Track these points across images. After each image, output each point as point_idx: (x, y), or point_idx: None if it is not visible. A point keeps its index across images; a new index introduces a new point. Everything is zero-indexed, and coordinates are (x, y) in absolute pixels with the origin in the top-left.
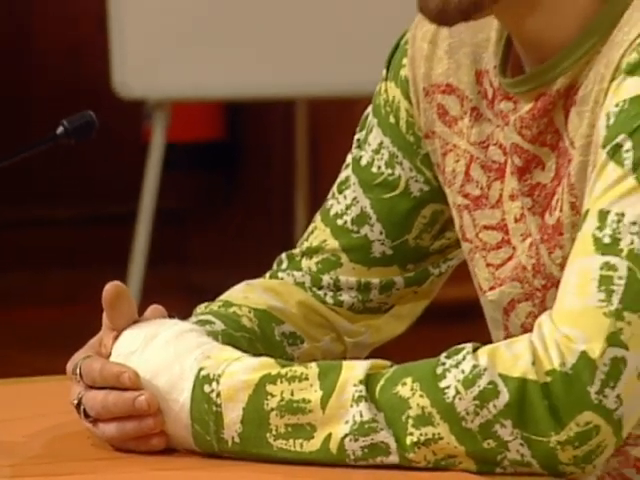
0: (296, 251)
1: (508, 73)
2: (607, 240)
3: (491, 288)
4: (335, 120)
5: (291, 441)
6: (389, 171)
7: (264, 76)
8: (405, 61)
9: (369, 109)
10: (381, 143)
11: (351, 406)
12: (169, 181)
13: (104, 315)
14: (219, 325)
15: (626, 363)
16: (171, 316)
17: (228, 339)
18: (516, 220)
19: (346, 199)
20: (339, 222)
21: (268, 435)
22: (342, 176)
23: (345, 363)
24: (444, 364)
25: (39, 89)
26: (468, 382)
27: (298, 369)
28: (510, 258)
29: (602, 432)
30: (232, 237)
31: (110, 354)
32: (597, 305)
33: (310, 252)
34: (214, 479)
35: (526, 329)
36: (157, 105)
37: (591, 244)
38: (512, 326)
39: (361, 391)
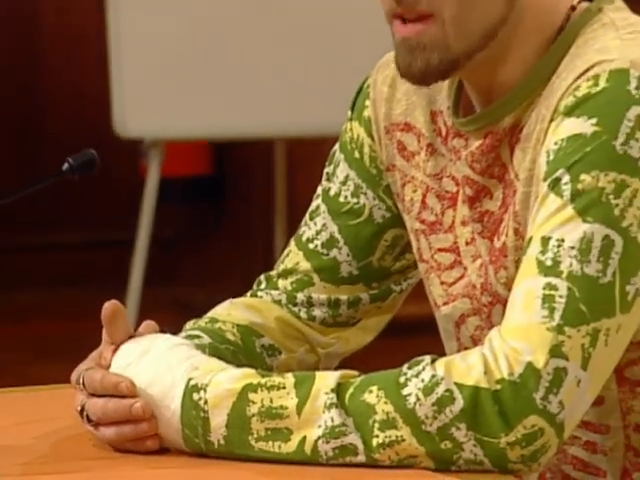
0: (273, 273)
1: (460, 113)
2: (549, 263)
3: (445, 303)
4: (308, 156)
5: (270, 443)
6: (355, 200)
7: (247, 119)
8: (368, 103)
9: (337, 146)
10: (347, 176)
11: (323, 412)
12: (163, 211)
13: (103, 330)
14: (206, 339)
15: (567, 372)
16: (162, 331)
17: (214, 351)
18: (467, 243)
19: (316, 225)
20: (310, 246)
21: (250, 438)
22: (313, 205)
23: (318, 373)
24: (406, 374)
25: (47, 128)
26: (427, 390)
27: (276, 379)
28: (461, 277)
29: (546, 434)
30: (219, 260)
31: (109, 366)
32: (541, 321)
33: (285, 273)
34: (202, 476)
35: (474, 340)
36: (152, 144)
37: (535, 267)
38: (463, 337)
39: (332, 398)
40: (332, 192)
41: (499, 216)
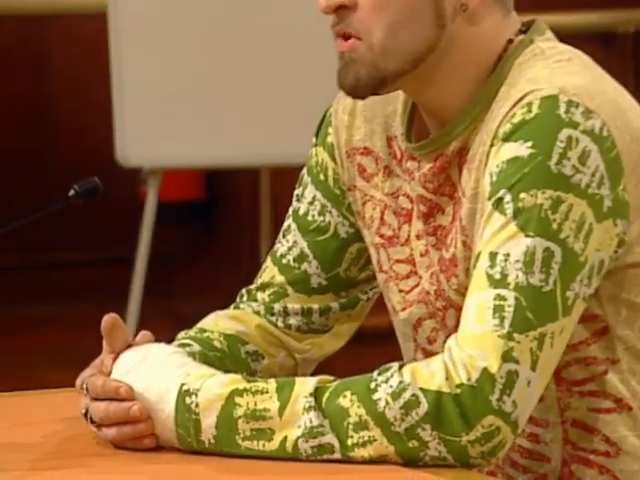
0: (253, 286)
1: (413, 138)
2: (498, 276)
3: (403, 309)
4: (290, 183)
5: (255, 442)
6: (321, 218)
7: (235, 150)
8: (330, 130)
9: (304, 169)
10: (314, 196)
11: (303, 414)
12: (160, 232)
13: (104, 341)
14: (196, 347)
15: (518, 375)
16: (158, 340)
17: (203, 358)
18: (421, 255)
19: (288, 242)
20: (284, 261)
21: (237, 437)
22: (285, 224)
23: (298, 379)
24: (376, 380)
25: (56, 158)
26: (395, 395)
27: (260, 384)
28: (417, 285)
29: (502, 431)
30: (209, 276)
31: (110, 372)
32: (493, 329)
33: (263, 286)
34: (194, 471)
35: (430, 340)
36: (151, 172)
37: (485, 280)
38: (420, 338)
39: (311, 402)
40: (301, 212)
41: (450, 229)
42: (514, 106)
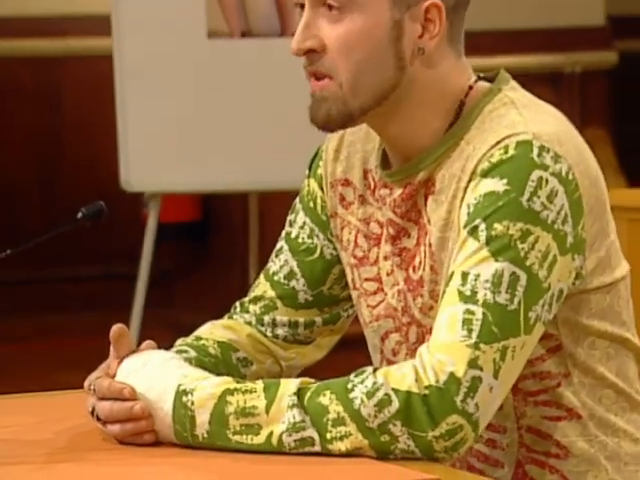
0: (245, 299)
1: (387, 167)
2: (468, 293)
3: (371, 322)
4: (276, 206)
5: (244, 436)
6: (310, 241)
7: (227, 176)
8: (320, 163)
9: (297, 198)
10: (305, 222)
11: (287, 411)
12: (161, 250)
13: (111, 347)
14: (192, 353)
15: (482, 381)
16: (158, 347)
17: (199, 363)
18: (387, 274)
19: (280, 261)
20: (275, 278)
21: (228, 432)
22: (278, 245)
23: (283, 380)
24: (353, 381)
25: (65, 185)
26: (370, 394)
27: (249, 385)
28: (382, 301)
29: (464, 429)
30: (205, 290)
31: (115, 375)
32: (461, 339)
33: (255, 300)
34: (189, 463)
35: (395, 352)
36: (152, 196)
37: (456, 296)
38: (385, 350)
39: (294, 400)
40: (293, 235)
41: (414, 252)
42: (492, 148)
